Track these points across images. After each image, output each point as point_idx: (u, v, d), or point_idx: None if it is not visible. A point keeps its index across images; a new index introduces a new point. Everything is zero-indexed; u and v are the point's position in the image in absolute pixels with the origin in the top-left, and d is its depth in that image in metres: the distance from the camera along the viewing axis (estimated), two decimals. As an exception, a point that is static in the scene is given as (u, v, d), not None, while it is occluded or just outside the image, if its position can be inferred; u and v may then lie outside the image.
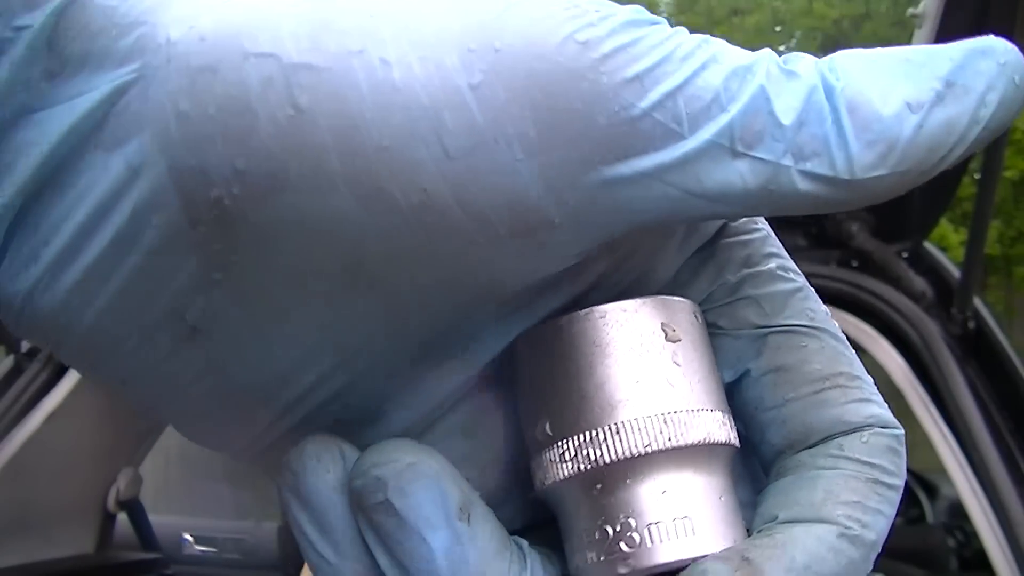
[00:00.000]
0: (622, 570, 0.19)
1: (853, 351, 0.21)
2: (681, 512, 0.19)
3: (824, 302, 0.22)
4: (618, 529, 0.19)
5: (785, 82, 0.18)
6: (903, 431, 0.20)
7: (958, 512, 1.81)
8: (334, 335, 0.19)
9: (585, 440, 0.19)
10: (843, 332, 0.22)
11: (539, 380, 0.20)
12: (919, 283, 1.28)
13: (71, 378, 1.58)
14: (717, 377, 0.21)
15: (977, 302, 1.25)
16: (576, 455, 0.19)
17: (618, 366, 0.20)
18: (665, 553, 0.19)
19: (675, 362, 0.20)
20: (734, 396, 0.21)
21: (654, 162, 0.17)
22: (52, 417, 1.54)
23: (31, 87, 0.17)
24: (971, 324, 1.23)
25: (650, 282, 0.21)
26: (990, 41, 0.18)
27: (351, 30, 0.17)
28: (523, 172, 0.17)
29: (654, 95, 0.17)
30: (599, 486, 0.19)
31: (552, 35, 0.17)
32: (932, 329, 1.22)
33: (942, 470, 1.22)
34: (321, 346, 0.19)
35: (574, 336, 0.20)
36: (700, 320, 0.21)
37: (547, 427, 0.20)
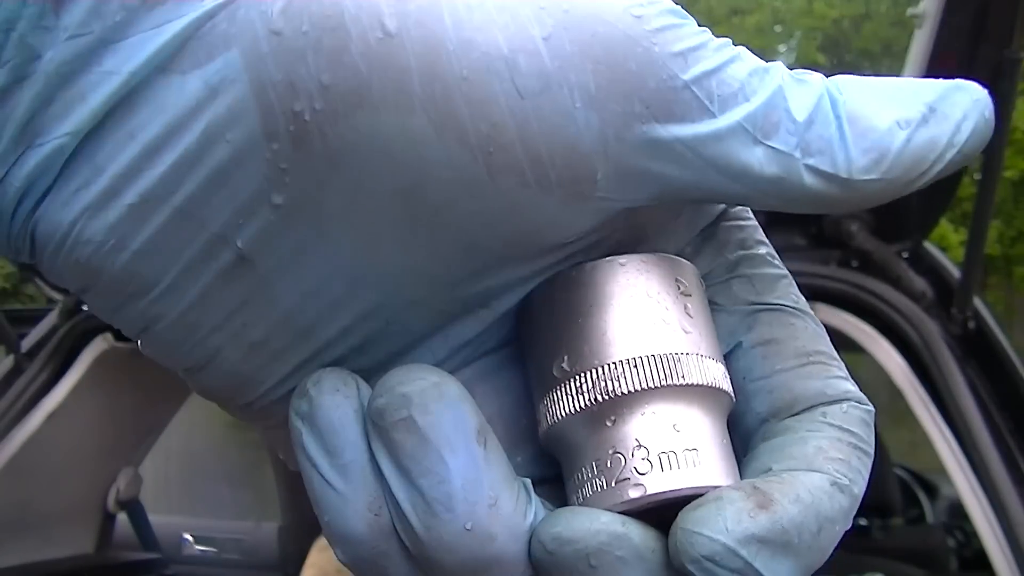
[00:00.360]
0: (633, 494, 0.20)
1: (826, 333, 0.23)
2: (691, 445, 0.20)
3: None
4: (631, 456, 0.20)
5: (798, 86, 0.20)
6: (874, 409, 0.22)
7: (958, 512, 1.81)
8: (379, 270, 0.20)
9: (603, 372, 0.20)
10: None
11: (559, 319, 0.21)
12: (919, 283, 1.28)
13: (71, 378, 1.58)
14: (716, 337, 0.22)
15: (977, 302, 1.25)
16: (594, 386, 0.20)
17: (637, 308, 0.21)
18: (676, 480, 0.20)
19: (688, 313, 0.21)
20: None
21: (690, 132, 0.19)
22: (52, 417, 1.54)
23: (105, 17, 0.18)
24: (971, 324, 1.23)
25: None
26: (966, 82, 0.21)
27: None
28: (579, 120, 0.19)
29: (694, 71, 0.19)
30: (613, 417, 0.20)
31: (612, 6, 0.19)
32: (932, 329, 1.22)
33: (942, 470, 1.22)
34: (365, 281, 0.20)
35: (597, 279, 0.21)
36: (703, 285, 0.23)
37: (564, 362, 0.21)
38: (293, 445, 0.21)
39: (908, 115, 0.20)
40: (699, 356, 0.21)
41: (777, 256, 0.24)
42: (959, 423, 1.16)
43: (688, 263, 0.22)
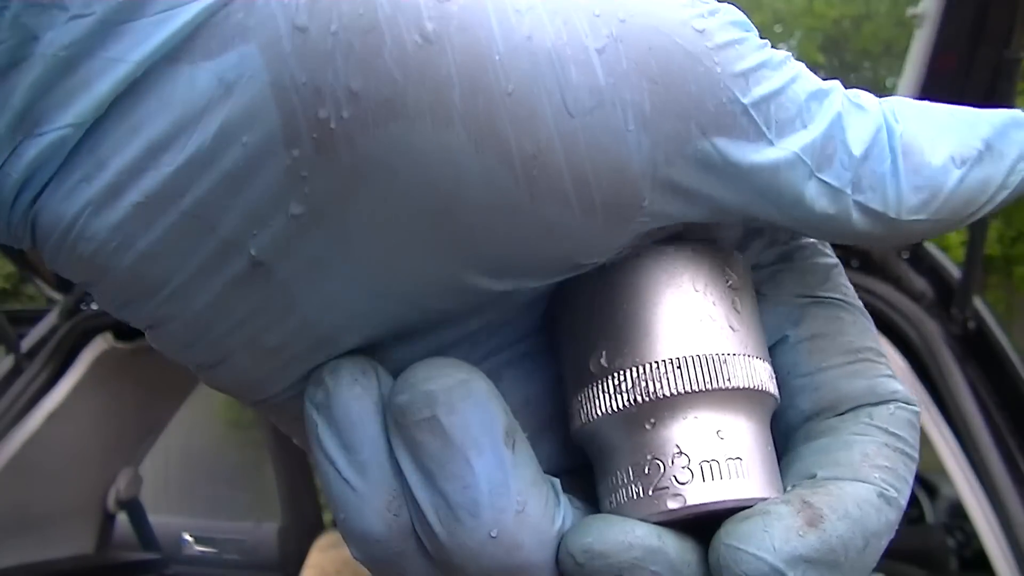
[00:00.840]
0: (672, 504, 0.19)
1: (875, 327, 0.22)
2: (735, 453, 0.19)
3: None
4: (670, 463, 0.19)
5: (856, 113, 0.19)
6: (919, 409, 0.21)
7: (958, 512, 1.81)
8: (404, 282, 0.19)
9: (645, 372, 0.19)
10: None
11: (599, 310, 0.20)
12: (919, 283, 1.28)
13: (71, 378, 1.58)
14: (763, 333, 0.21)
15: (977, 302, 1.25)
16: (634, 386, 0.19)
17: (684, 304, 0.19)
18: (718, 491, 0.19)
19: (735, 308, 0.20)
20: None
21: (744, 157, 0.18)
22: (52, 417, 1.54)
23: None
24: (971, 324, 1.23)
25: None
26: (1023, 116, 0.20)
27: None
28: (630, 142, 0.17)
29: (755, 93, 0.18)
30: (652, 420, 0.19)
31: (671, 16, 0.17)
32: (932, 329, 1.22)
33: (942, 470, 1.22)
34: (388, 292, 0.19)
35: (641, 271, 0.20)
36: (750, 278, 0.21)
37: (602, 358, 0.20)
38: (308, 437, 0.20)
39: (964, 151, 0.19)
40: (746, 356, 0.19)
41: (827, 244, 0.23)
42: (959, 423, 1.16)
43: (738, 253, 0.21)
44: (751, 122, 0.18)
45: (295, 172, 0.17)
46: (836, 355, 0.21)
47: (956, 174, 0.19)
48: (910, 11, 1.23)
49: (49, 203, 0.17)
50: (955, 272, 1.29)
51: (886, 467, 0.20)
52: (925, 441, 1.23)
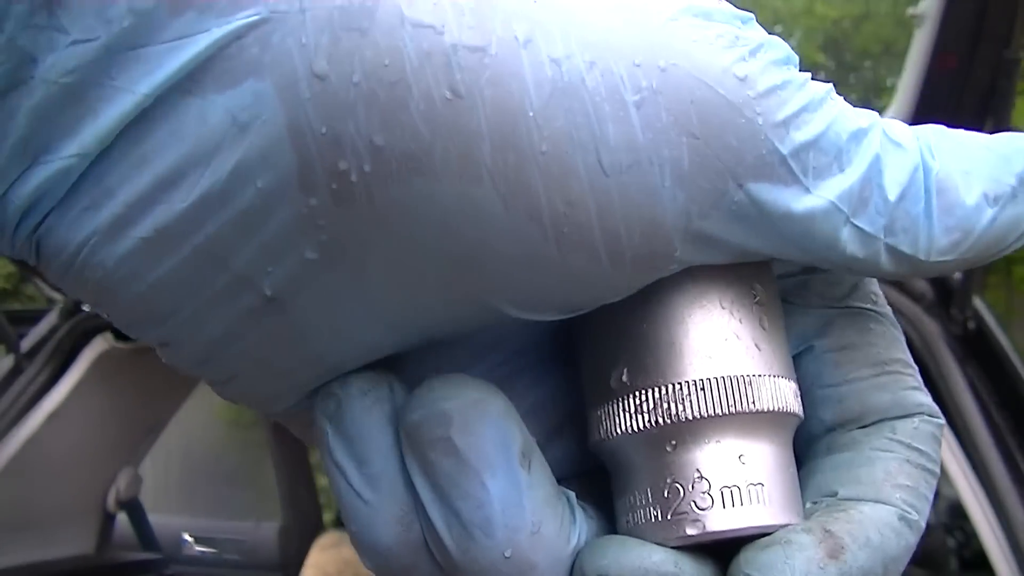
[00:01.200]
0: (691, 531, 0.18)
1: (904, 337, 0.22)
2: (757, 479, 0.19)
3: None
4: (690, 488, 0.18)
5: (894, 154, 0.18)
6: (944, 422, 0.21)
7: (958, 512, 1.81)
8: (421, 320, 0.18)
9: (668, 393, 0.18)
10: None
11: (621, 327, 0.19)
12: (919, 283, 1.27)
13: (71, 378, 1.58)
14: (789, 347, 0.20)
15: (977, 302, 1.25)
16: (656, 407, 0.18)
17: (709, 322, 0.19)
18: (738, 519, 0.18)
19: (762, 326, 0.19)
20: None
21: (782, 207, 0.17)
22: (52, 417, 1.54)
23: (112, 22, 0.15)
24: (971, 324, 1.23)
25: None
26: None
27: (517, 14, 0.16)
28: (665, 199, 0.17)
29: (796, 140, 0.17)
30: (673, 442, 0.19)
31: (713, 63, 0.17)
32: (932, 329, 1.22)
33: (942, 470, 1.22)
34: (403, 327, 0.18)
35: (667, 287, 0.19)
36: (777, 289, 0.21)
37: (624, 375, 0.19)
38: (318, 447, 0.19)
39: (997, 189, 0.18)
40: (771, 377, 0.19)
41: None
42: (959, 423, 1.16)
43: (766, 264, 0.20)
44: (789, 171, 0.17)
45: (312, 220, 0.16)
46: (862, 367, 0.21)
47: (989, 213, 0.18)
48: (910, 11, 1.23)
49: (55, 229, 0.17)
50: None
51: (908, 487, 0.19)
52: (925, 441, 1.23)
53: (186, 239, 0.16)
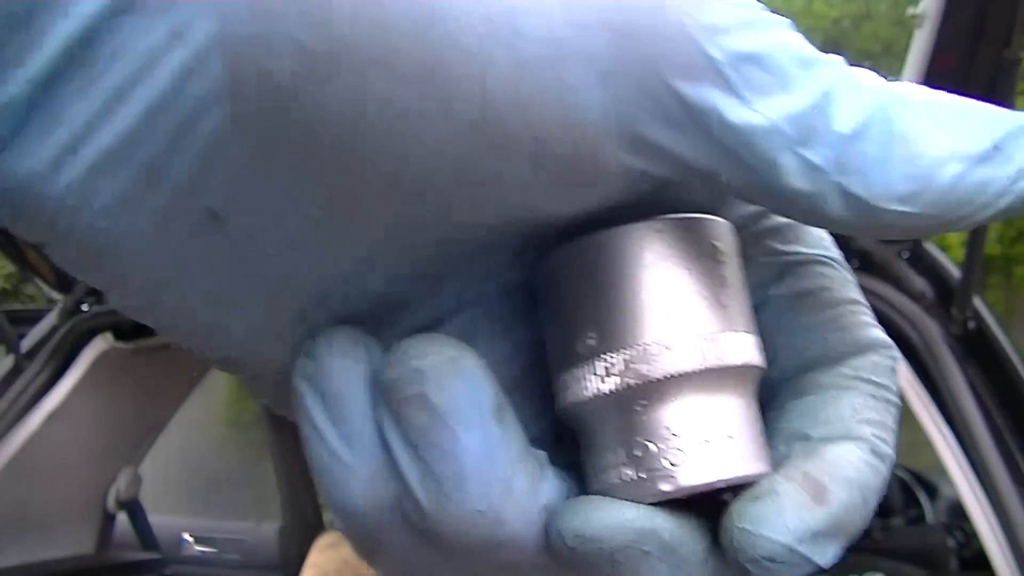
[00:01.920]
0: (664, 487, 0.18)
1: (855, 276, 0.22)
2: (726, 432, 0.19)
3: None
4: (661, 446, 0.19)
5: (852, 91, 0.17)
6: (900, 355, 0.21)
7: (958, 512, 1.81)
8: (354, 238, 0.18)
9: (636, 354, 0.19)
10: None
11: (585, 291, 0.19)
12: (919, 283, 1.27)
13: (71, 378, 1.58)
14: (751, 301, 0.21)
15: (977, 302, 1.25)
16: (625, 369, 0.19)
17: (673, 281, 0.19)
18: (710, 472, 0.18)
19: (725, 283, 0.20)
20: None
21: (716, 116, 0.17)
22: (52, 417, 1.54)
23: None
24: (971, 324, 1.23)
25: (694, 208, 0.21)
26: None
27: None
28: (587, 97, 0.16)
29: (728, 48, 0.17)
30: (643, 402, 0.19)
31: None
32: (932, 329, 1.22)
33: (942, 470, 1.22)
34: (337, 246, 0.19)
35: (629, 248, 0.19)
36: (738, 244, 0.21)
37: (591, 339, 0.19)
38: (294, 410, 0.19)
39: (969, 148, 0.18)
40: (735, 332, 0.19)
41: None
42: (959, 423, 1.16)
43: (725, 222, 0.20)
44: (722, 79, 0.17)
45: (242, 123, 0.16)
46: (818, 311, 0.21)
47: (954, 168, 0.17)
48: (910, 11, 1.23)
49: (7, 162, 0.17)
50: (955, 272, 1.29)
51: (875, 420, 0.20)
52: (925, 441, 1.23)
53: (129, 158, 0.16)
